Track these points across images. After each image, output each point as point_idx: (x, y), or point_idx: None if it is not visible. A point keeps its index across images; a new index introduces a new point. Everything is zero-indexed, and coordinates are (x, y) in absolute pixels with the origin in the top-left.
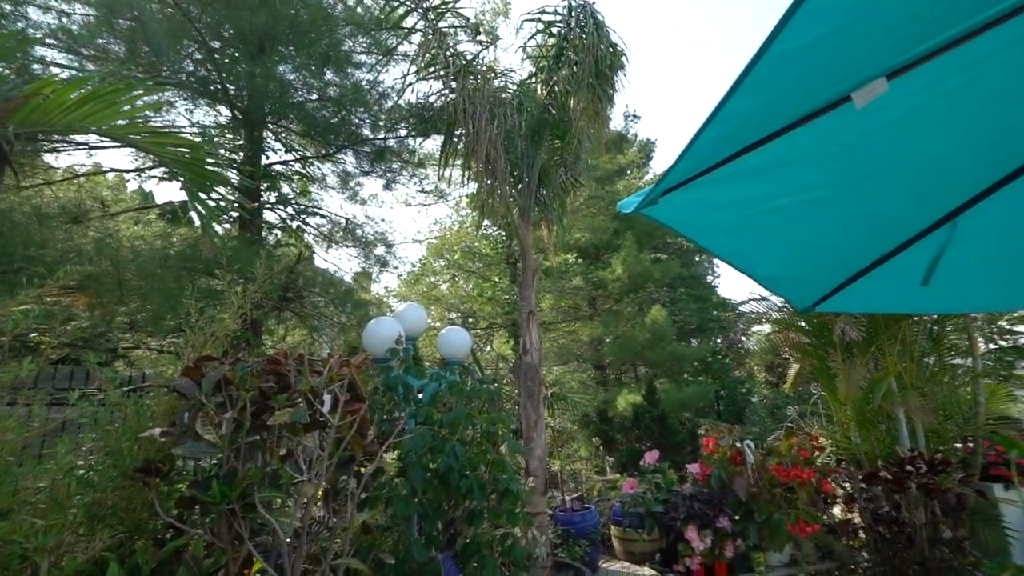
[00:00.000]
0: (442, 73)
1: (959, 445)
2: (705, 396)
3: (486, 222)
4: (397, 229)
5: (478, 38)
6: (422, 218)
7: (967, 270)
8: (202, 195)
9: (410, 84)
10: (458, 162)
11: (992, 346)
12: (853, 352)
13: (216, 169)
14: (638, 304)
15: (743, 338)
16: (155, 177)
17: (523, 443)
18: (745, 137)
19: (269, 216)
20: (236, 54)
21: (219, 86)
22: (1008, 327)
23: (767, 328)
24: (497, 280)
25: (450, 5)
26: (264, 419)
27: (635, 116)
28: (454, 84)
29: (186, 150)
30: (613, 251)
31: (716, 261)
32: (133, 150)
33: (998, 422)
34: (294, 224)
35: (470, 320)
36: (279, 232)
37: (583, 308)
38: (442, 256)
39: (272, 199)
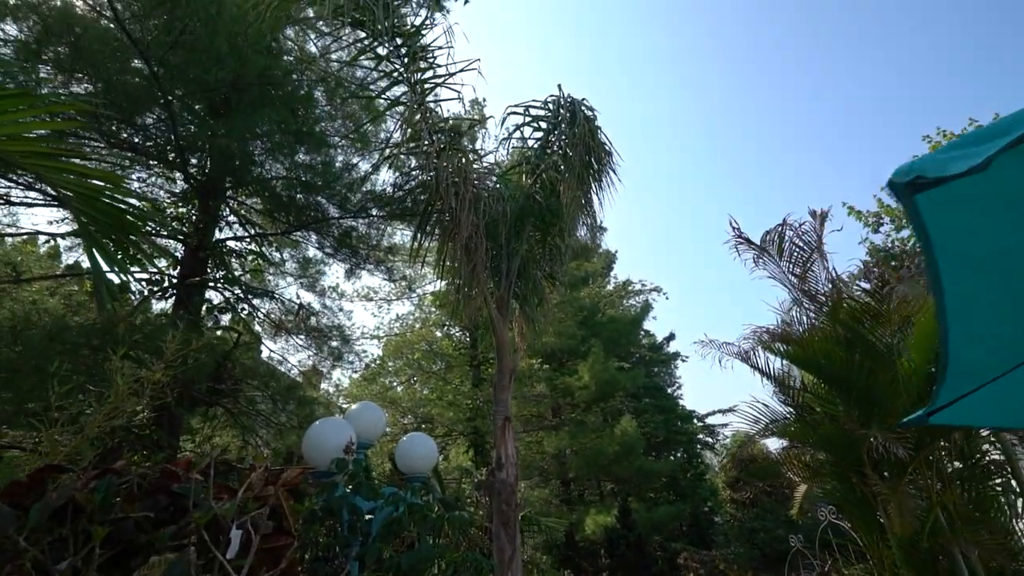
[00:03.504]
0: (425, 147)
1: None
2: (679, 517)
3: (449, 322)
4: (355, 322)
5: (457, 133)
6: (382, 314)
7: None
8: (106, 242)
9: (390, 156)
10: (433, 243)
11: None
12: (885, 475)
13: (132, 204)
14: (604, 415)
15: (707, 452)
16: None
17: None
18: None
19: (214, 296)
20: (200, 110)
21: (178, 157)
22: None
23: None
24: (459, 383)
25: (442, 79)
26: (133, 566)
27: (602, 227)
28: (435, 161)
29: (94, 181)
30: (579, 358)
31: (677, 371)
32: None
33: None
34: (241, 307)
35: (425, 426)
36: (219, 313)
37: (548, 417)
38: (400, 355)
39: (219, 276)
